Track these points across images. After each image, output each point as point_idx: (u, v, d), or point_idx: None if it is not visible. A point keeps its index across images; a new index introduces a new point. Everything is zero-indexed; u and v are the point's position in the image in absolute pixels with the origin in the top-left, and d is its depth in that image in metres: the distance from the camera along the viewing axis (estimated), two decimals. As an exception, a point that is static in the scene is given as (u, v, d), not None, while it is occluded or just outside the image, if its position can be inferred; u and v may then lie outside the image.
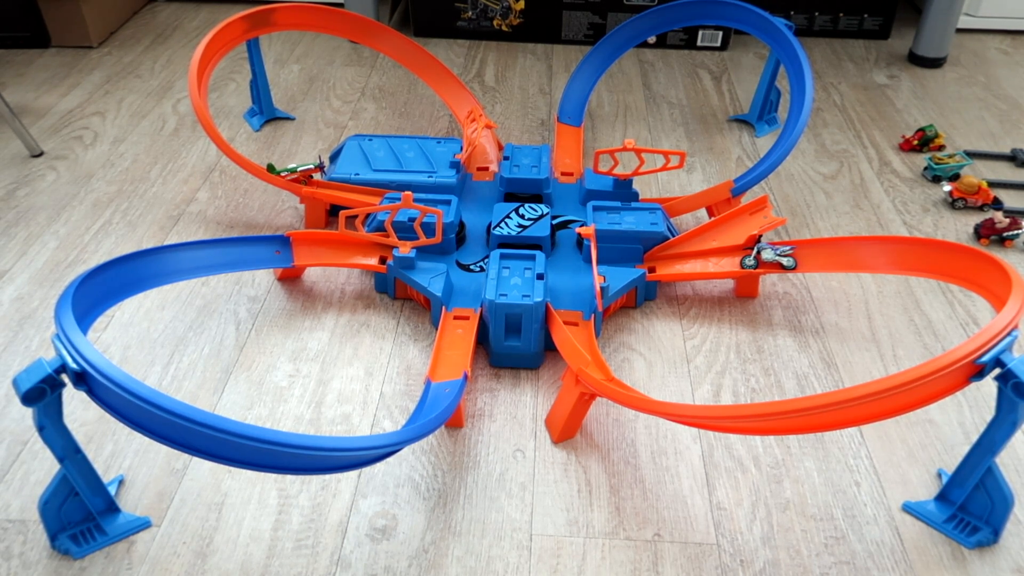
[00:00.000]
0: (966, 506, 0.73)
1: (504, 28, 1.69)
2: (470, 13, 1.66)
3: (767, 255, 0.98)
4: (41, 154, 1.31)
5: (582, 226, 0.98)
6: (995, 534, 0.72)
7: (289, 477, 0.78)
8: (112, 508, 0.73)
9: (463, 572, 0.70)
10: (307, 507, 0.75)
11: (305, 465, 0.64)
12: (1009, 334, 0.66)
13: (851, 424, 0.70)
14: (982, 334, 0.65)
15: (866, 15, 1.69)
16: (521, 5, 1.66)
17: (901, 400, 0.66)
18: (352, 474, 0.78)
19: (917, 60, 1.62)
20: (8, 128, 1.34)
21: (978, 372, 0.66)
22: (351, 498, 0.76)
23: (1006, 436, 0.68)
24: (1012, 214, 1.16)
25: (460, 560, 0.71)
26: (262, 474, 0.77)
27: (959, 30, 1.69)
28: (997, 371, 0.65)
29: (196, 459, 0.79)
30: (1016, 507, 0.74)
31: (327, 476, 0.78)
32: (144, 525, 0.73)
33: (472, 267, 1.01)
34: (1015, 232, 1.12)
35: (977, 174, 1.29)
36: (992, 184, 1.24)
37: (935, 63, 1.60)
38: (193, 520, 0.74)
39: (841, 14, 1.70)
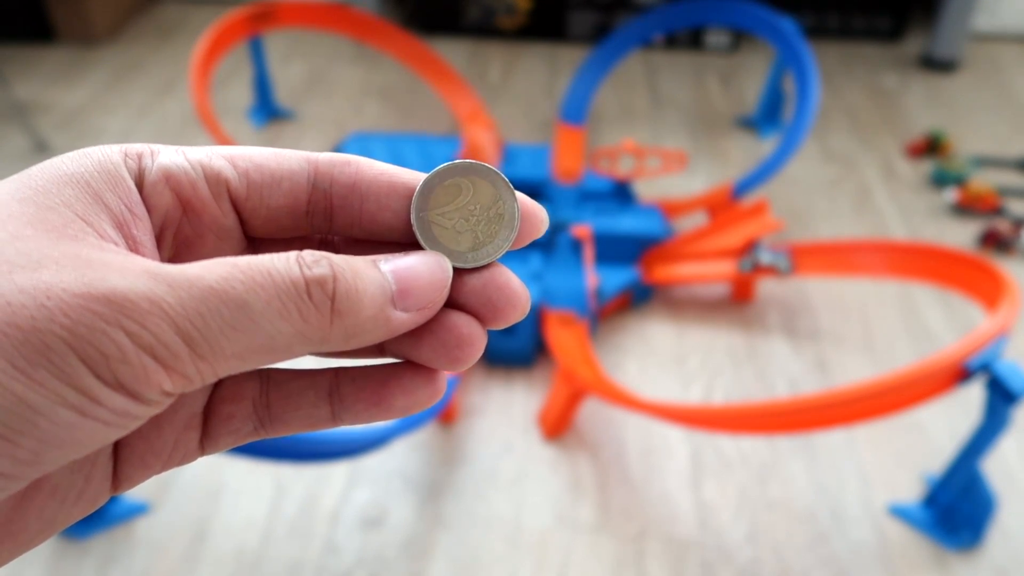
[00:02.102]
0: (951, 509, 0.74)
1: (509, 27, 1.70)
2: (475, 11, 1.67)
3: (764, 259, 0.99)
4: (47, 149, 1.33)
5: (579, 227, 0.99)
6: (978, 537, 0.73)
7: (284, 467, 0.79)
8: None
9: (451, 562, 0.71)
10: (301, 496, 0.77)
11: (298, 454, 0.65)
12: (998, 340, 0.66)
13: (837, 424, 0.71)
14: (969, 339, 0.66)
15: (878, 16, 1.69)
16: (527, 4, 1.67)
17: (886, 402, 0.67)
18: (345, 466, 0.79)
19: (929, 64, 1.61)
20: (15, 123, 1.36)
21: (965, 376, 0.66)
22: (344, 489, 0.77)
23: (991, 440, 0.68)
24: (1016, 221, 1.16)
25: (448, 551, 0.72)
26: (258, 463, 0.79)
27: (974, 36, 1.68)
28: (984, 376, 0.66)
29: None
30: (998, 510, 0.75)
31: (321, 467, 0.79)
32: (141, 510, 0.75)
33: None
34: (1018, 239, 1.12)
35: (986, 180, 1.28)
36: (1001, 192, 1.24)
37: (948, 66, 1.59)
38: (191, 506, 0.75)
39: (852, 14, 1.69)
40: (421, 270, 0.17)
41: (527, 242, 0.19)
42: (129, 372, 0.14)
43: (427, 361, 0.17)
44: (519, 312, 0.18)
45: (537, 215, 0.18)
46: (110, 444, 0.17)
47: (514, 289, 0.18)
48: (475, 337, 0.17)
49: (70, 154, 0.16)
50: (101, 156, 0.16)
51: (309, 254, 0.15)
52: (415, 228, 0.18)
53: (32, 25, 1.62)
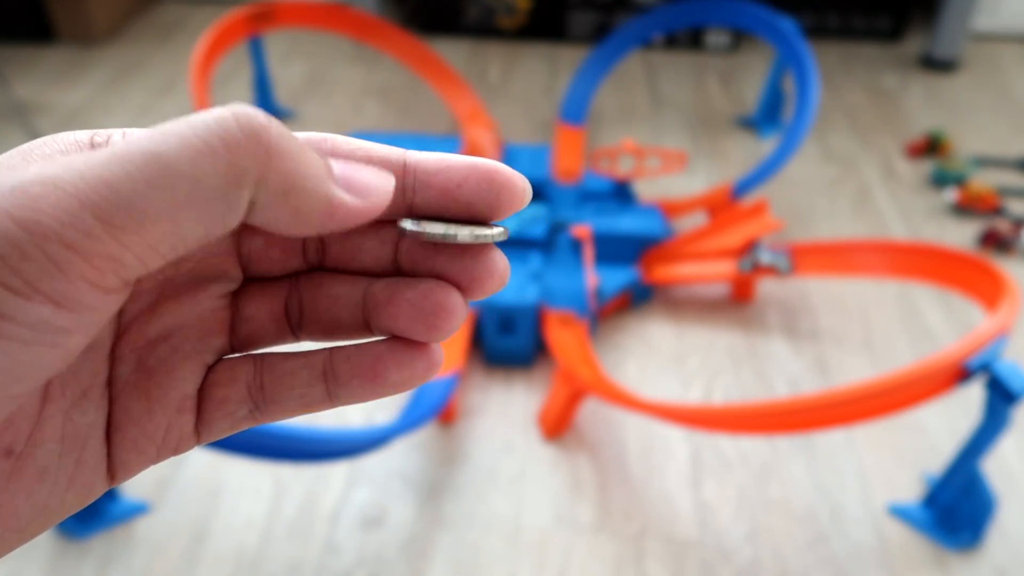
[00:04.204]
0: (950, 509, 0.74)
1: (509, 27, 1.70)
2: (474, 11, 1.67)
3: (764, 259, 0.99)
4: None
5: (579, 227, 0.99)
6: (977, 537, 0.73)
7: (284, 467, 0.79)
8: (111, 492, 0.75)
9: (450, 562, 0.71)
10: (301, 496, 0.77)
11: (298, 454, 0.65)
12: (998, 340, 0.66)
13: (837, 424, 0.71)
14: (969, 339, 0.66)
15: (878, 16, 1.69)
16: (527, 4, 1.67)
17: (886, 402, 0.67)
18: (345, 466, 0.80)
19: (929, 64, 1.61)
20: (15, 123, 1.36)
21: (965, 376, 0.66)
22: (344, 488, 0.77)
23: (991, 440, 0.68)
24: (1016, 221, 1.16)
25: (448, 551, 0.72)
26: (258, 463, 0.79)
27: (974, 36, 1.68)
28: (984, 376, 0.66)
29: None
30: (998, 510, 0.75)
31: (321, 467, 0.79)
32: (141, 510, 0.75)
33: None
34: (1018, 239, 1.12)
35: (986, 180, 1.28)
36: (1001, 192, 1.24)
37: (948, 66, 1.59)
38: (191, 506, 0.75)
39: (852, 14, 1.69)
40: (364, 169, 0.16)
41: (510, 212, 0.18)
42: (34, 268, 0.11)
43: (405, 331, 0.17)
44: (497, 281, 0.17)
45: (516, 183, 0.17)
46: (100, 427, 0.16)
47: (493, 258, 0.17)
48: (453, 304, 0.17)
49: (39, 139, 0.16)
50: (70, 138, 0.16)
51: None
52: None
53: (32, 25, 1.62)
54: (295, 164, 0.14)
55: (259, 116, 0.14)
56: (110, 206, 0.12)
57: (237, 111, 0.13)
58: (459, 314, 0.17)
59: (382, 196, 0.16)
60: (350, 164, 0.16)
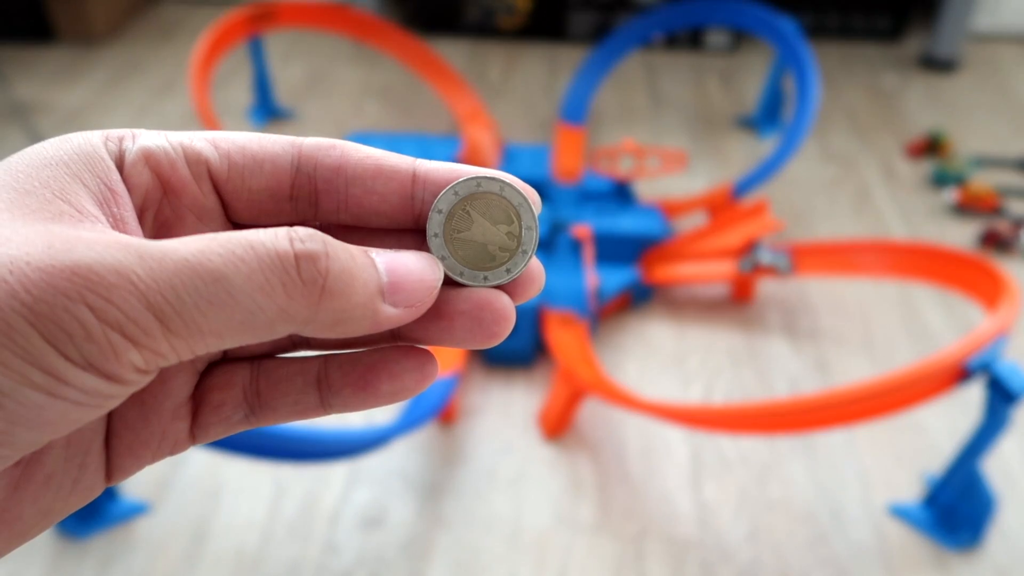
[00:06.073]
0: (951, 509, 0.74)
1: (509, 27, 1.70)
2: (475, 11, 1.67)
3: (764, 259, 0.99)
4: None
5: (579, 227, 0.99)
6: (977, 537, 0.73)
7: (284, 467, 0.79)
8: (111, 493, 0.75)
9: (451, 562, 0.71)
10: (301, 496, 0.77)
11: (298, 454, 0.65)
12: (998, 340, 0.66)
13: (837, 424, 0.71)
14: (969, 339, 0.66)
15: (878, 16, 1.68)
16: (527, 4, 1.67)
17: (886, 402, 0.67)
18: (345, 466, 0.80)
19: (929, 64, 1.61)
20: (15, 123, 1.36)
21: (965, 376, 0.66)
22: (344, 488, 0.77)
23: (991, 440, 0.68)
24: (1016, 221, 1.16)
25: (448, 551, 0.72)
26: (258, 463, 0.79)
27: (974, 36, 1.68)
28: (984, 376, 0.66)
29: (194, 447, 0.80)
30: (998, 510, 0.75)
31: (321, 467, 0.79)
32: (141, 510, 0.75)
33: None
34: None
35: (986, 180, 1.28)
36: (1001, 191, 1.24)
37: (948, 66, 1.59)
38: (191, 506, 0.75)
39: (852, 14, 1.69)
40: (413, 267, 0.16)
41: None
42: (96, 350, 0.13)
43: (460, 342, 0.17)
44: (538, 285, 0.18)
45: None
46: (102, 433, 0.17)
47: (531, 267, 0.18)
48: (509, 310, 0.17)
49: (51, 140, 0.16)
50: (81, 140, 0.16)
51: (302, 229, 0.15)
52: (432, 242, 0.18)
53: (32, 25, 1.62)
54: (346, 300, 0.15)
55: (320, 256, 0.15)
56: (172, 314, 0.13)
57: (303, 249, 0.14)
58: (513, 318, 0.17)
59: (428, 301, 0.17)
60: (397, 262, 0.16)
